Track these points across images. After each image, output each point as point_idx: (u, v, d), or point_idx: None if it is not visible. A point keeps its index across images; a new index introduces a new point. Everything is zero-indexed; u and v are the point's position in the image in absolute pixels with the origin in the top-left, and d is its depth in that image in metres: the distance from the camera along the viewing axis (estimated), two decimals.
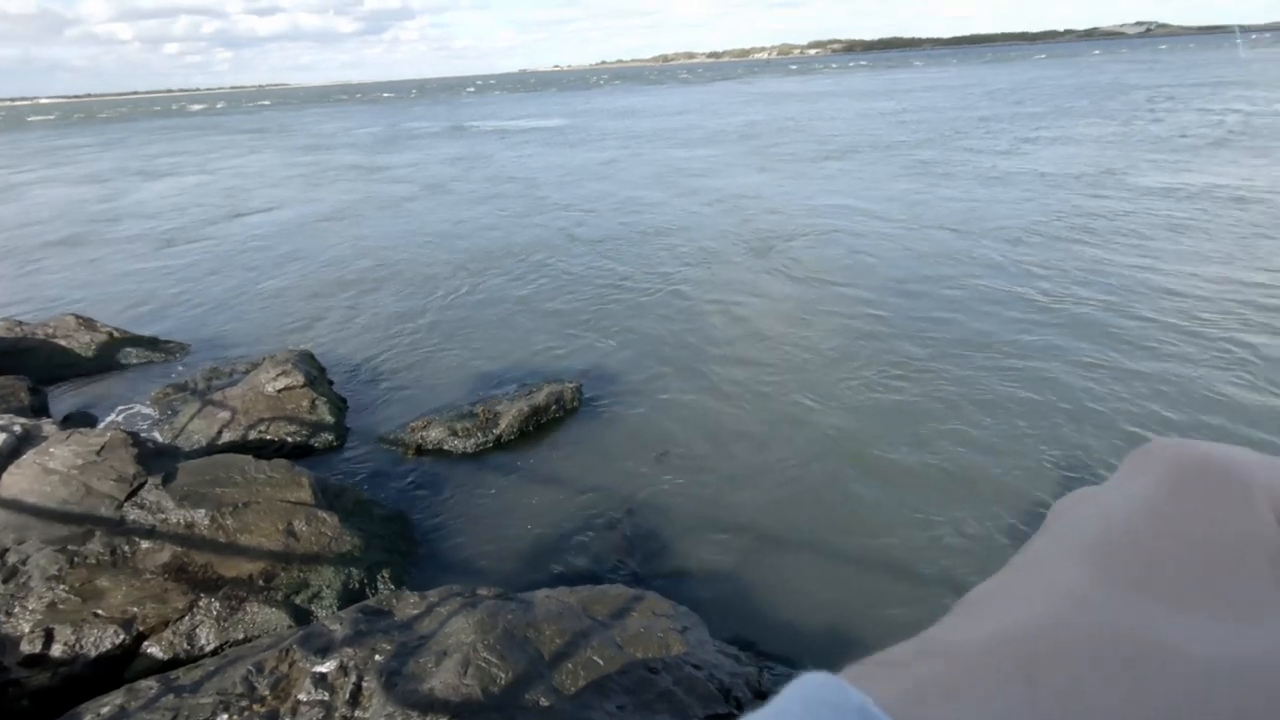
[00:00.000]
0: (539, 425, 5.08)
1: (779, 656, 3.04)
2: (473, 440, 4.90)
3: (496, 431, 4.95)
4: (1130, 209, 9.95)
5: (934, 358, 5.69)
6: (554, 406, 5.23)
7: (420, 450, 4.87)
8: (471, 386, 5.73)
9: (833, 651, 3.00)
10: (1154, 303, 6.48)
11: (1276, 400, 4.74)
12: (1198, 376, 5.08)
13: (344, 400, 5.64)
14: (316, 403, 5.26)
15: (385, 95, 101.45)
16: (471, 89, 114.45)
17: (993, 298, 6.93)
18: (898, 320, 6.54)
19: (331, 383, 5.85)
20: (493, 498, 4.26)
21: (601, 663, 2.62)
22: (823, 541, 3.70)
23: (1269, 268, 7.23)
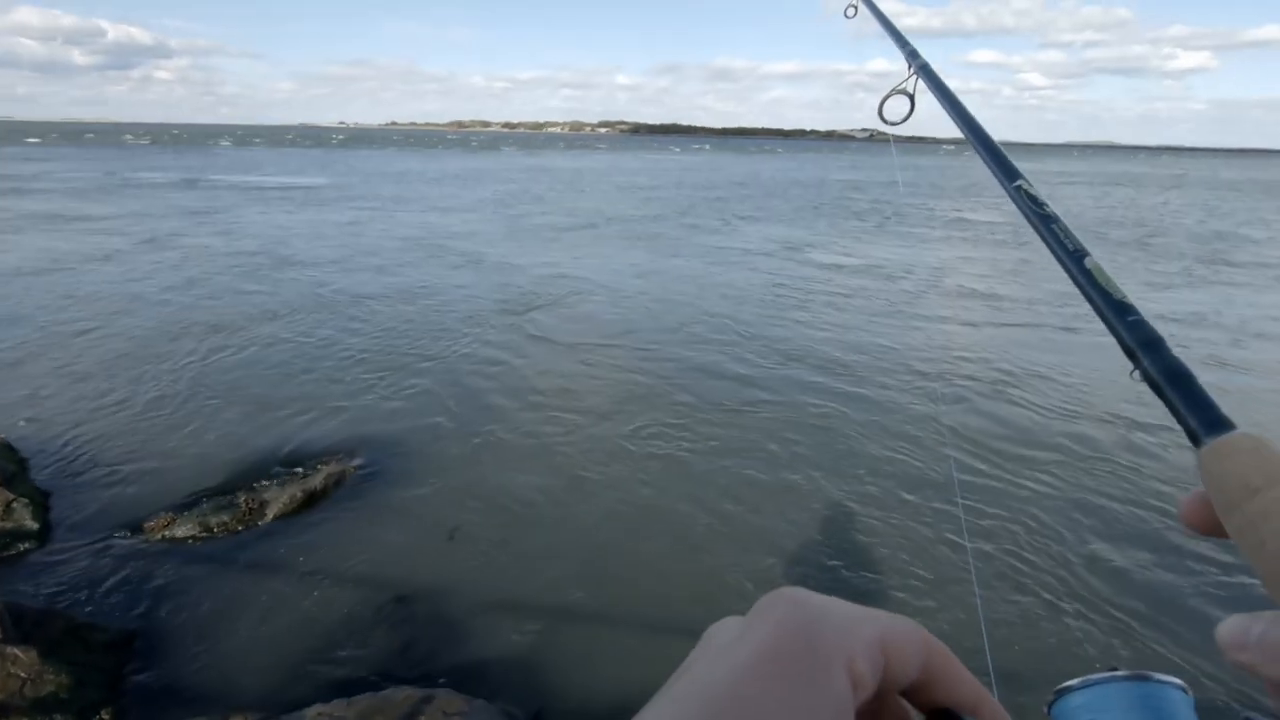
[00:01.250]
0: (310, 508, 4.57)
1: None
2: (231, 535, 4.27)
3: (263, 523, 4.38)
4: (814, 277, 12.01)
5: (691, 409, 6.14)
6: (332, 487, 4.77)
7: (161, 551, 4.12)
8: (227, 470, 5.00)
9: None
10: (846, 353, 7.71)
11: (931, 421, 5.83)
12: (896, 416, 6.06)
13: (48, 497, 4.63)
14: (13, 505, 4.27)
15: (126, 138, 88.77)
16: (232, 138, 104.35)
17: (729, 352, 7.76)
18: (656, 376, 6.99)
19: (32, 476, 4.80)
20: (254, 600, 3.71)
21: None
22: (615, 607, 3.72)
23: (918, 327, 9.06)
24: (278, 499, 4.51)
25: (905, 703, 0.31)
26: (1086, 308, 0.50)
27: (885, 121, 1.14)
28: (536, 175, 39.07)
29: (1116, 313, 0.47)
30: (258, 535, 4.29)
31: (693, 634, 0.29)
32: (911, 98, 1.07)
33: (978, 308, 10.23)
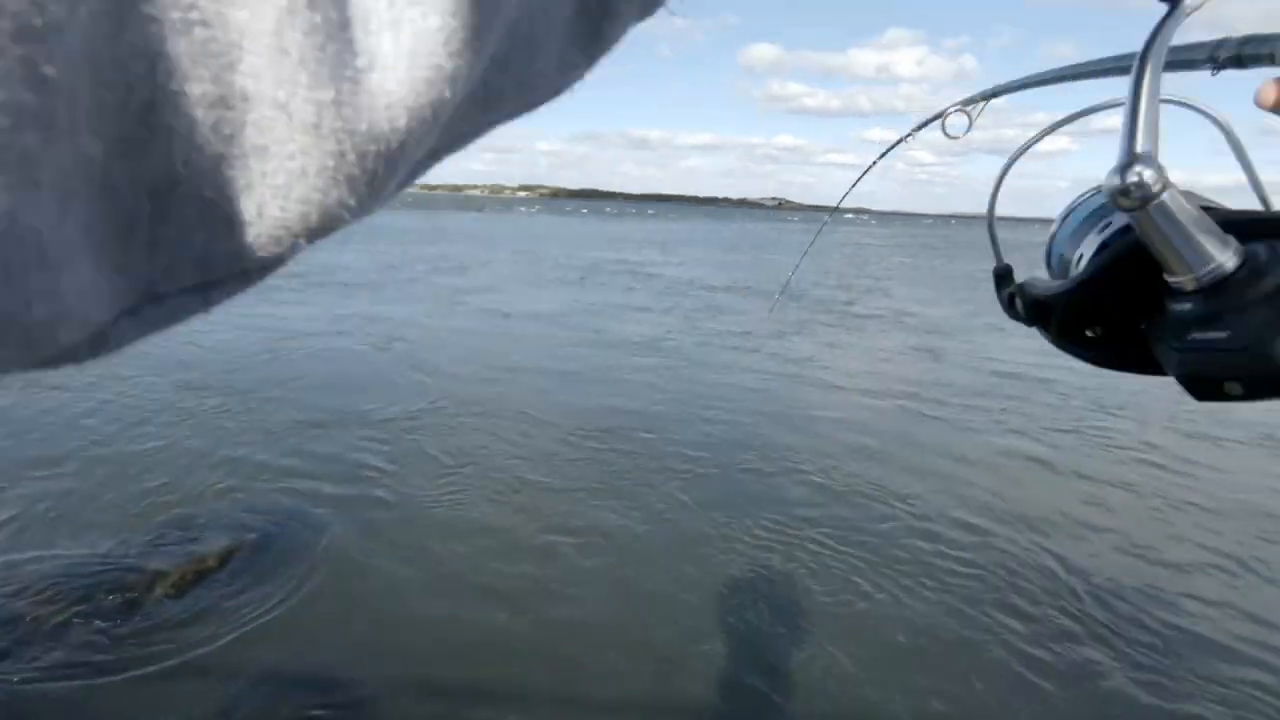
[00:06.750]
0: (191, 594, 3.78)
1: None
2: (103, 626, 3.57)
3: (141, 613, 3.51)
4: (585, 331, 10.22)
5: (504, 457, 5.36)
6: (220, 566, 3.84)
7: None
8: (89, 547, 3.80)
9: None
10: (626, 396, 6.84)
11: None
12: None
13: None
14: None
15: None
16: None
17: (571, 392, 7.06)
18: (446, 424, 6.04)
19: None
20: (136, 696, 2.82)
21: None
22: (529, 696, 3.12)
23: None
24: (163, 582, 3.67)
25: None
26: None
27: (946, 135, 1.12)
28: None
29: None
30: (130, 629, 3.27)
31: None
32: (972, 119, 1.02)
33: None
